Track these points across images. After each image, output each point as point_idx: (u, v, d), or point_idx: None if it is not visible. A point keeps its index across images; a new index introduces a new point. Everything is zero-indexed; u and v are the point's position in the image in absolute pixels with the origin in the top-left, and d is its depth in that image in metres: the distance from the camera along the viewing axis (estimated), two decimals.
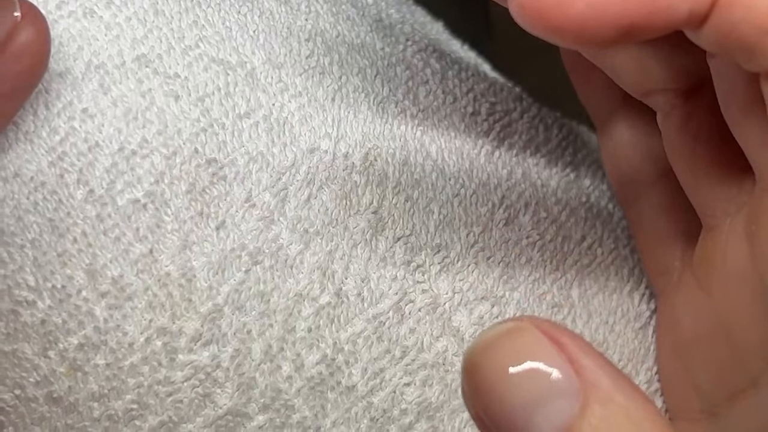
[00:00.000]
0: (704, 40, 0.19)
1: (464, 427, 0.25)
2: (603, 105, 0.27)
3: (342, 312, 0.25)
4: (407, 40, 0.30)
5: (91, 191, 0.24)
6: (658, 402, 0.27)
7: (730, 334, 0.23)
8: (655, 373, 0.27)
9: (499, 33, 0.46)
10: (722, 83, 0.22)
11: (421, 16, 0.33)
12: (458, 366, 0.25)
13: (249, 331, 0.24)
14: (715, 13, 0.19)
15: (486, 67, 0.33)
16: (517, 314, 0.26)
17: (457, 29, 0.33)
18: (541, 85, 0.33)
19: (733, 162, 0.23)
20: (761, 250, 0.22)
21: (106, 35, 0.25)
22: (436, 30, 0.33)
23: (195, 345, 0.24)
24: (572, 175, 0.29)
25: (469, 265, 0.26)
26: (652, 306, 0.28)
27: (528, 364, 0.17)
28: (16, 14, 0.23)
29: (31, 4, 0.23)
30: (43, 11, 0.24)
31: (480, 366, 0.18)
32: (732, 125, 0.22)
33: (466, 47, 0.34)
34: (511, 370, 0.17)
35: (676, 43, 0.22)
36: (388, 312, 0.25)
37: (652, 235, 0.27)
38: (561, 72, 0.29)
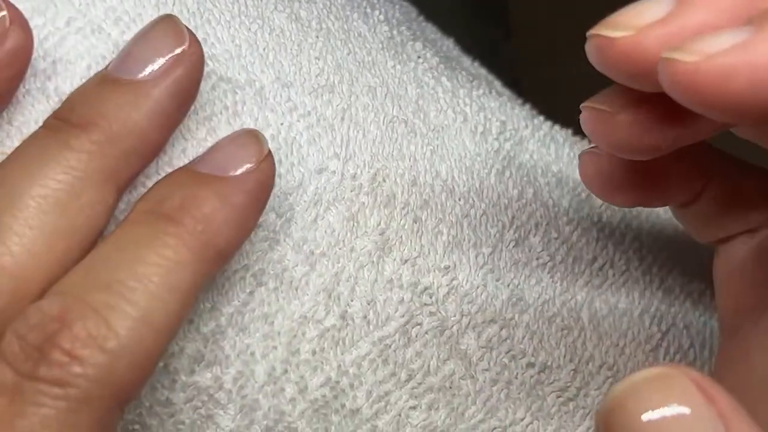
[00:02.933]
0: None
1: None
2: None
3: (347, 334, 0.25)
4: (419, 57, 0.29)
5: None
6: None
7: None
8: None
9: (519, 34, 0.45)
10: None
11: (432, 32, 0.33)
12: (465, 389, 0.25)
13: (252, 353, 0.24)
14: None
15: (498, 84, 0.33)
16: (526, 337, 0.26)
17: (475, 32, 0.33)
18: (561, 86, 0.33)
19: None
20: None
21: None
22: (447, 47, 0.33)
23: (197, 366, 0.24)
24: (584, 194, 0.29)
25: (477, 287, 0.26)
26: (663, 328, 0.27)
27: (674, 409, 0.17)
28: (2, 14, 0.23)
29: (17, 9, 0.23)
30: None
31: (623, 408, 0.17)
32: None
33: (476, 64, 0.33)
34: (652, 415, 0.16)
35: None
36: (394, 335, 0.25)
37: (741, 275, 0.25)
38: (581, 71, 0.28)
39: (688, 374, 0.17)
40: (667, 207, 0.27)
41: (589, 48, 0.19)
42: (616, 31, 0.19)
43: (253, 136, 0.24)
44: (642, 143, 0.21)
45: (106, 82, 0.23)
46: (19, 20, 0.23)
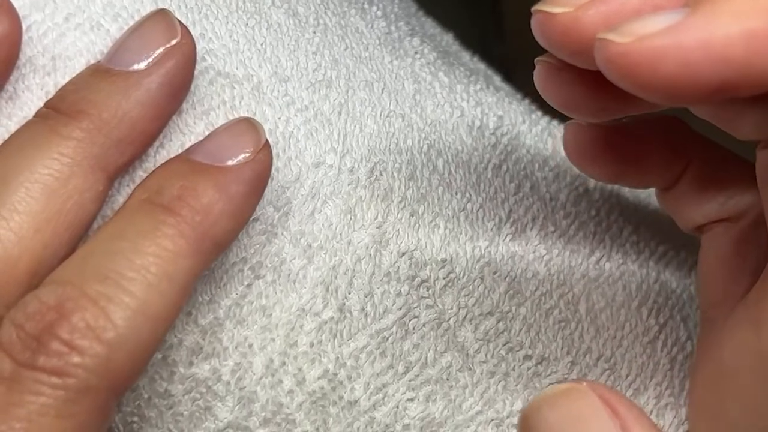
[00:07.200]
0: None
1: None
2: None
3: (345, 327, 0.25)
4: (416, 52, 0.29)
5: None
6: (669, 416, 0.26)
7: None
8: (665, 389, 0.27)
9: (509, 33, 0.45)
10: None
11: (431, 27, 0.33)
12: (462, 381, 0.25)
13: (250, 345, 0.24)
14: None
15: (496, 79, 0.33)
16: (523, 330, 0.26)
17: (464, 31, 0.33)
18: None
19: None
20: None
21: None
22: (446, 41, 0.33)
23: (195, 358, 0.24)
24: (581, 189, 0.29)
25: (474, 280, 0.26)
26: (661, 320, 0.28)
27: (580, 427, 0.18)
28: None
29: None
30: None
31: (533, 422, 0.18)
32: None
33: (476, 59, 0.33)
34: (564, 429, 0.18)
35: None
36: (392, 327, 0.25)
37: (720, 267, 0.25)
38: None
39: (595, 389, 0.18)
40: None
41: (533, 24, 0.20)
42: (557, 7, 0.19)
43: (250, 125, 0.24)
44: (586, 102, 0.22)
45: (99, 72, 0.23)
46: (5, 7, 0.23)
